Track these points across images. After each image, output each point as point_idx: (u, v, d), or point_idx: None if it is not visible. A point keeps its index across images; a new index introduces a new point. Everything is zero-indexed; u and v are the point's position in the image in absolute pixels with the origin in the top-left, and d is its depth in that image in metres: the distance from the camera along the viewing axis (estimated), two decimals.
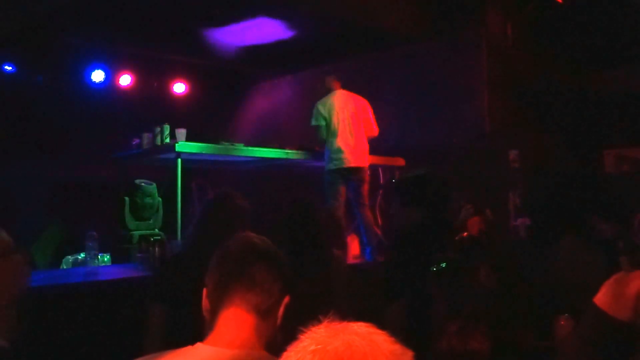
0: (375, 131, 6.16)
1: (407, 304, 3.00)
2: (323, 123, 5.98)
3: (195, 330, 1.63)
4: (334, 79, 6.20)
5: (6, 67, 7.57)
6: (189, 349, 1.52)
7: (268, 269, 1.62)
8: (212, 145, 5.78)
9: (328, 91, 6.14)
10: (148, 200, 5.94)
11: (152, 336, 2.80)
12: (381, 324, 0.91)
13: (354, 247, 6.49)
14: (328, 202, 5.74)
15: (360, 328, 0.86)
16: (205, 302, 1.64)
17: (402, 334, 0.89)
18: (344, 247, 3.43)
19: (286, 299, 1.63)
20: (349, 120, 5.97)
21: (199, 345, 1.52)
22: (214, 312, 1.59)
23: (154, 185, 6.05)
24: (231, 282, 1.60)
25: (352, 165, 5.90)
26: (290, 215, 3.15)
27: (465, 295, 1.69)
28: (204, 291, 1.66)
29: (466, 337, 1.60)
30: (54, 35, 7.15)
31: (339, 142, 5.92)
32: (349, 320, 0.88)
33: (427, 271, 1.95)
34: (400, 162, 6.74)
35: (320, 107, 6.04)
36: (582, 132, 7.03)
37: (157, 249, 4.51)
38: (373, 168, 6.67)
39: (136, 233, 5.70)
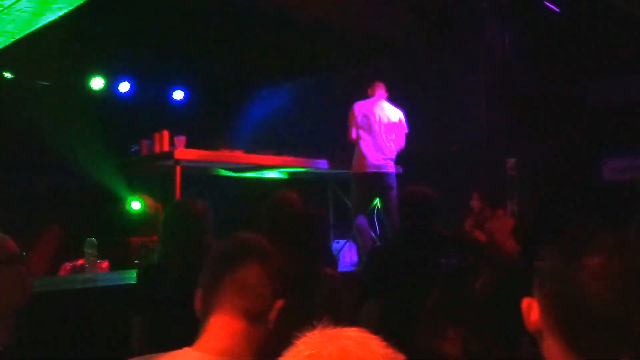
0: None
1: (384, 304, 3.09)
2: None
3: (173, 337, 1.60)
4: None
5: (6, 74, 7.59)
6: (176, 353, 1.49)
7: (260, 272, 1.57)
8: (211, 152, 5.81)
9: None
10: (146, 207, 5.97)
11: (134, 346, 2.84)
12: (355, 323, 0.93)
13: (352, 254, 6.53)
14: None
15: (354, 333, 0.88)
16: (197, 305, 1.59)
17: (375, 332, 0.91)
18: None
19: (280, 304, 1.58)
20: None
21: (186, 350, 1.49)
22: (205, 315, 1.54)
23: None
24: (221, 285, 1.55)
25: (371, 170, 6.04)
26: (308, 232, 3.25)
27: (455, 299, 1.71)
28: (198, 293, 1.61)
29: (442, 339, 1.62)
30: (54, 41, 7.18)
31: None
32: (340, 325, 0.90)
33: (414, 274, 1.99)
34: (398, 169, 6.75)
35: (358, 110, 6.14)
36: (580, 140, 7.05)
37: (155, 255, 4.52)
38: None
39: (135, 239, 5.71)
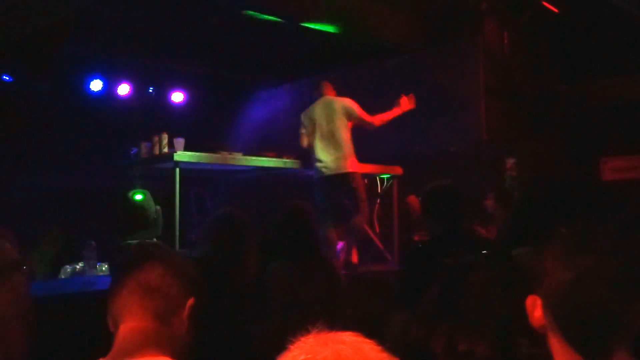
0: (369, 124, 5.89)
1: (414, 313, 2.98)
2: (303, 131, 5.90)
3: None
4: (326, 85, 6.09)
5: (4, 77, 7.59)
6: None
7: (163, 273, 1.58)
8: (210, 154, 5.80)
9: (318, 97, 6.07)
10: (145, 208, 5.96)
11: None
12: (383, 332, 0.93)
13: (353, 256, 6.51)
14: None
15: (349, 337, 0.88)
16: (108, 316, 1.59)
17: (405, 342, 0.90)
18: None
19: (190, 302, 1.59)
20: (326, 127, 5.79)
21: None
22: (116, 324, 1.55)
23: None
24: (126, 292, 1.56)
25: (332, 173, 5.74)
26: (294, 224, 3.26)
27: (450, 296, 1.72)
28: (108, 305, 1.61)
29: (430, 335, 1.65)
30: (53, 44, 7.18)
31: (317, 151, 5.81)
32: (346, 330, 0.90)
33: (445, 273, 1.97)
34: (398, 170, 6.75)
35: (303, 115, 5.94)
36: (579, 140, 7.05)
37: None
38: (371, 177, 6.69)
39: (134, 242, 5.70)
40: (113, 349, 1.51)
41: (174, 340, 1.55)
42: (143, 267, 1.59)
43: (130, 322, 1.53)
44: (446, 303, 1.71)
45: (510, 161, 6.70)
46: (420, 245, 3.55)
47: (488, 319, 1.66)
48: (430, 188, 3.34)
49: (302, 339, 0.88)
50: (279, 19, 6.62)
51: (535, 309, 1.30)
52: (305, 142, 5.93)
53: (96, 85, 8.14)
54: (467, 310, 1.68)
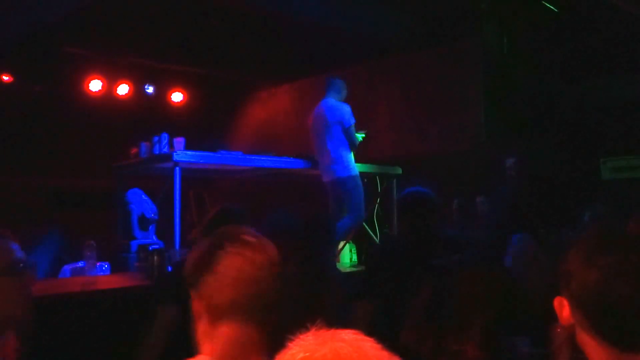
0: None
1: (377, 304, 3.11)
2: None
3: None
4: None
5: (4, 77, 7.59)
6: None
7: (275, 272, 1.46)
8: (210, 154, 5.80)
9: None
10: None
11: (156, 337, 2.88)
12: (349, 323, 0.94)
13: (351, 255, 6.51)
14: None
15: (348, 335, 0.88)
16: (198, 307, 1.48)
17: (369, 331, 0.91)
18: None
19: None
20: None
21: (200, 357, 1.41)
22: (215, 319, 1.43)
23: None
24: (234, 288, 1.44)
25: (323, 179, 5.88)
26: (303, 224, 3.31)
27: (438, 298, 1.74)
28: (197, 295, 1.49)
29: (418, 337, 1.67)
30: (52, 45, 7.18)
31: None
32: (336, 327, 0.90)
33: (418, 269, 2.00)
34: (397, 170, 6.75)
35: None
36: (578, 140, 7.04)
37: (155, 257, 4.52)
38: (370, 177, 6.69)
39: (135, 242, 5.72)
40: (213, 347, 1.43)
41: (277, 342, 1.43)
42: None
43: (235, 324, 1.43)
44: (436, 305, 1.74)
45: (510, 161, 6.69)
46: (387, 242, 3.78)
47: (476, 319, 1.68)
48: (405, 194, 3.59)
49: (301, 336, 0.88)
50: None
51: (563, 309, 1.37)
52: None
53: (95, 85, 8.13)
54: (456, 311, 1.71)
